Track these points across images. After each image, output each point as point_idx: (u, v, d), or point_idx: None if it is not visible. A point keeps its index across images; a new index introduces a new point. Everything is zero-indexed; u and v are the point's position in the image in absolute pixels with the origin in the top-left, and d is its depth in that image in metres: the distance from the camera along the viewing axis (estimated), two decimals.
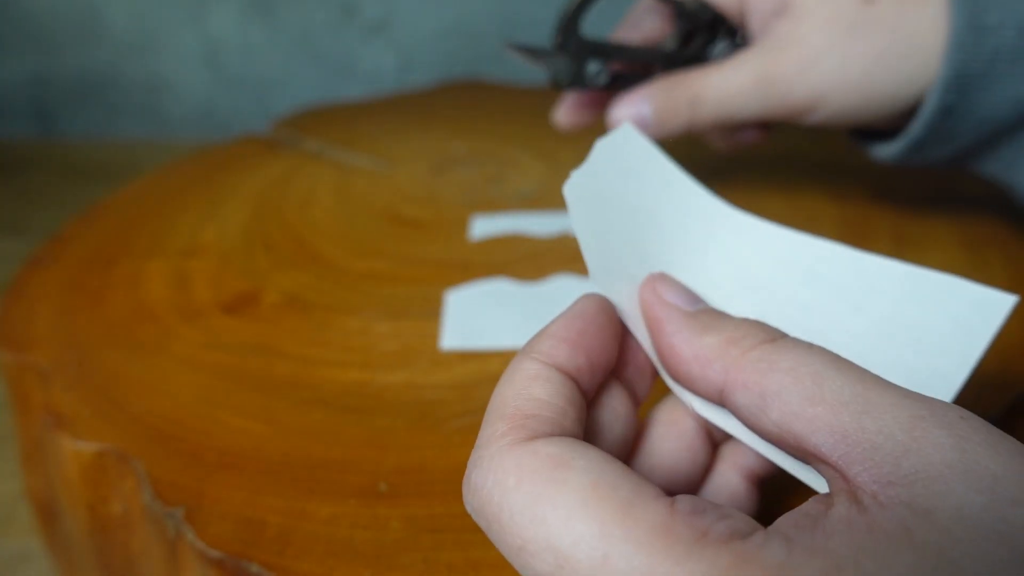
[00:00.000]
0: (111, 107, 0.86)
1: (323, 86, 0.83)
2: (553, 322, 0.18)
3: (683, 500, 0.14)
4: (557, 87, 0.33)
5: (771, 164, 0.44)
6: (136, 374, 0.29)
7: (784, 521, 0.14)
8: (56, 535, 0.32)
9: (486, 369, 0.28)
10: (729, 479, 0.20)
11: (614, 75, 0.33)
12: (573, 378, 0.17)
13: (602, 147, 0.21)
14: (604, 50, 0.33)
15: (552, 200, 0.41)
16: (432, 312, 0.32)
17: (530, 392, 0.16)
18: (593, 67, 0.33)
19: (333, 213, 0.41)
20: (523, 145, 0.48)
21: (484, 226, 0.38)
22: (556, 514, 0.14)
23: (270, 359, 0.29)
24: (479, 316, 0.31)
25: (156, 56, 0.83)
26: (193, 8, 0.81)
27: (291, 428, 0.26)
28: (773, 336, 0.17)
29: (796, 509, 0.14)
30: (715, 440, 0.21)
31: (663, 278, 0.20)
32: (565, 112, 0.37)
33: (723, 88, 0.32)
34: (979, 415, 0.14)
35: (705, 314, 0.18)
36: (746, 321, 0.18)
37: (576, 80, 0.33)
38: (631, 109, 0.33)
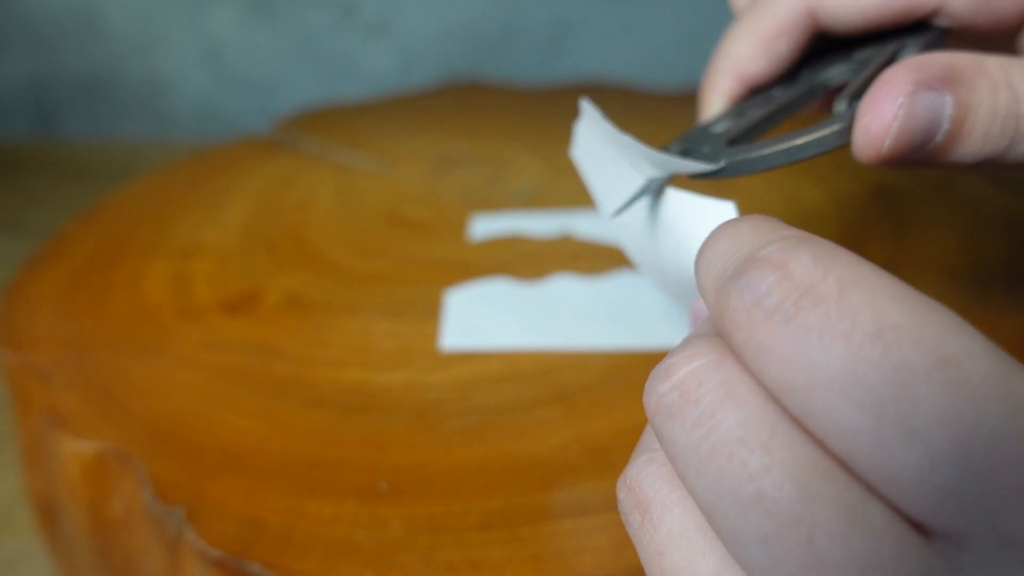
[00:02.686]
0: (111, 107, 0.86)
1: (324, 86, 0.83)
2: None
3: None
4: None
5: None
6: (137, 374, 0.29)
7: None
8: (56, 535, 0.32)
9: (486, 369, 0.28)
10: None
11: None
12: None
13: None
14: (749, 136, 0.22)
15: (552, 200, 0.41)
16: (432, 312, 0.32)
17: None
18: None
19: (333, 213, 0.41)
20: (523, 145, 0.48)
21: (484, 226, 0.38)
22: (941, 319, 0.11)
23: (270, 359, 0.29)
24: (479, 316, 0.31)
25: (156, 56, 0.83)
26: (193, 8, 0.81)
27: (291, 428, 0.26)
28: None
29: None
30: None
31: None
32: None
33: None
34: None
35: None
36: None
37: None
38: (928, 100, 0.18)
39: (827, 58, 0.23)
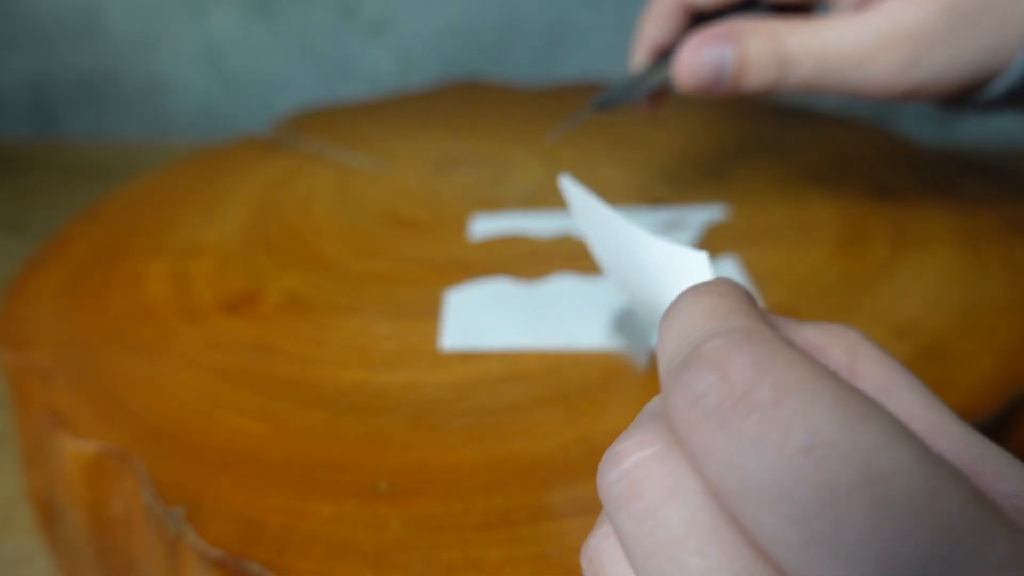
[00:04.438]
0: (111, 107, 0.86)
1: (323, 86, 0.83)
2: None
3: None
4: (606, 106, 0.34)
5: (771, 163, 0.44)
6: (137, 374, 0.29)
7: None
8: (56, 535, 0.32)
9: (486, 369, 0.28)
10: None
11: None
12: None
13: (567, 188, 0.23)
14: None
15: (552, 200, 0.41)
16: (432, 312, 0.32)
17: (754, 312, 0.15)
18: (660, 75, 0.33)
19: (333, 213, 0.41)
20: (523, 145, 0.48)
21: (484, 226, 0.38)
22: (872, 429, 0.11)
23: (270, 359, 0.29)
24: (479, 316, 0.31)
25: (156, 56, 0.83)
26: (193, 8, 0.81)
27: (291, 428, 0.26)
28: (866, 337, 0.16)
29: None
30: None
31: None
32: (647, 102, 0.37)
33: (833, 51, 0.28)
34: (978, 414, 0.14)
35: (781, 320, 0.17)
36: (835, 324, 0.16)
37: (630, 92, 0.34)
38: (710, 51, 0.30)
39: (704, 26, 0.31)
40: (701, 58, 0.30)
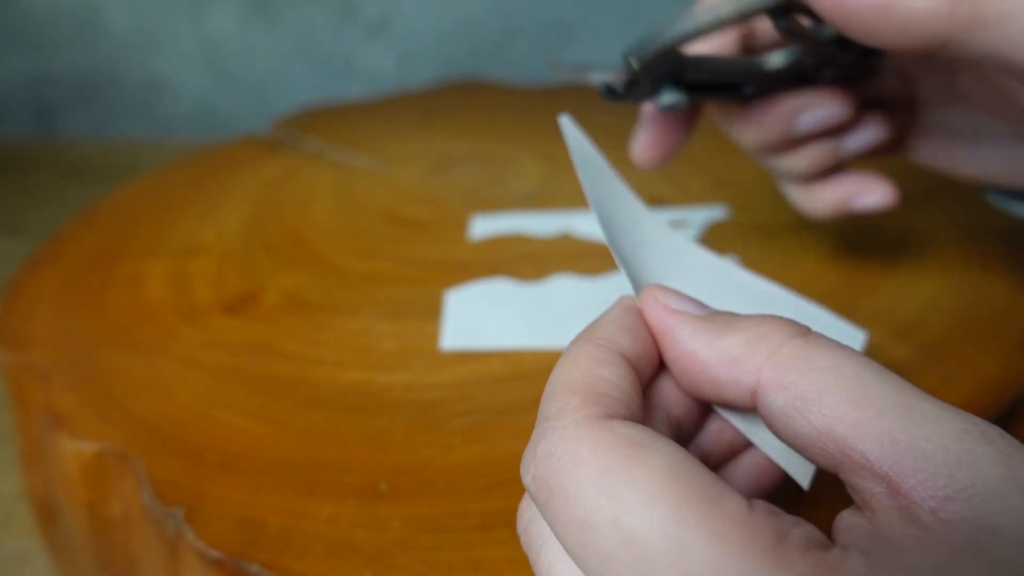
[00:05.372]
0: (111, 107, 0.86)
1: (323, 86, 0.83)
2: (608, 312, 0.18)
3: (758, 501, 0.13)
4: (612, 96, 0.25)
5: None
6: (136, 374, 0.29)
7: (850, 535, 0.14)
8: (56, 535, 0.32)
9: (486, 369, 0.28)
10: None
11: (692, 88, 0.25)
12: (633, 366, 0.17)
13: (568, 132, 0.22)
14: (686, 66, 0.24)
15: (552, 200, 0.41)
16: (432, 312, 0.32)
17: (599, 373, 0.16)
18: (668, 98, 0.24)
19: (333, 213, 0.41)
20: (523, 145, 0.48)
21: (484, 226, 0.38)
22: (631, 490, 0.13)
23: (270, 359, 0.29)
24: (479, 316, 0.31)
25: (156, 56, 0.83)
26: (193, 8, 0.81)
27: (291, 428, 0.26)
28: (802, 331, 0.16)
29: (844, 523, 0.14)
30: (711, 464, 0.20)
31: (661, 288, 0.18)
32: (644, 148, 0.28)
33: None
34: (978, 415, 0.14)
35: (719, 316, 0.17)
36: (767, 316, 0.16)
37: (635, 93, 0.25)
38: None
39: None
40: None
